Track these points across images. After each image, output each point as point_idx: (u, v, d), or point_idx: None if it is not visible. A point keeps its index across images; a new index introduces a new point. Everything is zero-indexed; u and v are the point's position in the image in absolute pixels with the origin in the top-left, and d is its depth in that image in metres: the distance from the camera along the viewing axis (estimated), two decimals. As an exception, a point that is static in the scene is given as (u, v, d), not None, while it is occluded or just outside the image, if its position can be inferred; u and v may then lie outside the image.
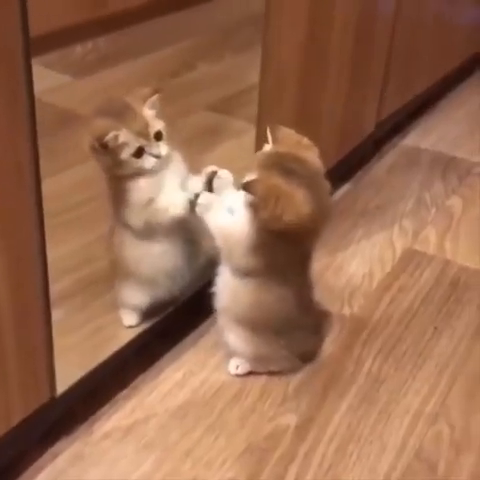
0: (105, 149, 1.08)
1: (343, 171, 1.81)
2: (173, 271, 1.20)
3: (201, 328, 1.32)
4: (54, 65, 1.57)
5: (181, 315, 1.28)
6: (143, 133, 1.10)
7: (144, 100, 1.11)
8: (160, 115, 1.13)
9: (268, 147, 1.10)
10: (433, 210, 1.75)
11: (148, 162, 1.11)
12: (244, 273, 1.12)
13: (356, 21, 1.58)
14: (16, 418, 0.98)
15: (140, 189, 1.13)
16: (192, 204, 1.13)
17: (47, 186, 1.08)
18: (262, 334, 1.17)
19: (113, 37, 1.58)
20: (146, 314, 1.24)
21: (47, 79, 1.53)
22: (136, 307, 1.23)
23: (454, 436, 1.14)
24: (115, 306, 1.25)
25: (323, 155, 1.62)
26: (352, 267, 1.53)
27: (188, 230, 1.19)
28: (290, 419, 1.16)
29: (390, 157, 1.98)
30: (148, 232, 1.15)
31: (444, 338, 1.34)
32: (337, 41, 1.53)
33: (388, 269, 1.53)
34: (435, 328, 1.36)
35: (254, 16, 1.30)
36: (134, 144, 1.09)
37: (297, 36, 1.38)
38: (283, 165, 1.05)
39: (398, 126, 2.09)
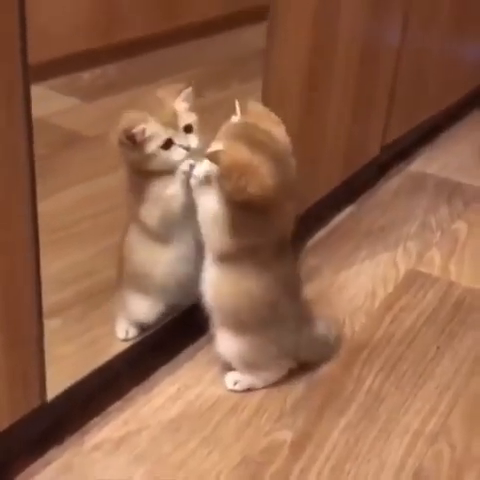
0: (133, 143, 1.07)
1: (347, 193, 1.80)
2: (185, 278, 1.17)
3: (198, 343, 1.30)
4: (63, 89, 1.58)
5: (177, 329, 1.26)
6: (172, 124, 1.09)
7: (178, 92, 1.11)
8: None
9: (236, 118, 1.08)
10: (438, 233, 1.74)
11: (177, 154, 1.10)
12: (221, 257, 1.10)
13: (360, 47, 1.59)
14: (5, 422, 0.96)
15: (156, 186, 1.11)
16: (187, 176, 1.10)
17: (51, 203, 1.09)
18: (249, 331, 1.14)
19: (122, 65, 1.60)
20: (142, 328, 1.22)
21: (55, 102, 1.55)
22: (138, 318, 1.21)
23: (455, 456, 1.11)
24: (113, 318, 1.23)
25: (326, 176, 1.64)
26: (355, 286, 1.51)
27: (197, 236, 1.15)
28: (286, 435, 1.13)
29: (395, 181, 1.97)
30: (164, 230, 1.13)
31: (446, 359, 1.32)
32: (341, 67, 1.53)
33: (391, 289, 1.51)
34: (437, 348, 1.34)
35: (259, 49, 1.32)
36: (162, 136, 1.08)
37: (299, 61, 1.39)
38: (250, 136, 1.03)
39: (404, 152, 2.08)
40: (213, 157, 1.02)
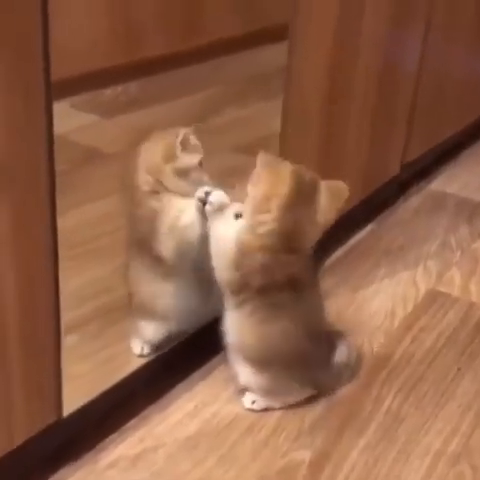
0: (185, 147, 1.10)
1: (367, 211, 1.79)
2: (186, 309, 1.18)
3: (215, 360, 1.28)
4: (83, 106, 1.59)
5: (194, 346, 1.25)
6: None
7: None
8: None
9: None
10: (458, 253, 1.72)
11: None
12: (233, 291, 1.10)
13: (381, 66, 1.59)
14: (20, 438, 0.95)
15: (169, 217, 1.11)
16: (203, 202, 1.10)
17: (70, 218, 1.09)
18: (272, 369, 1.14)
19: (143, 83, 1.60)
20: (158, 346, 1.22)
21: (75, 119, 1.55)
22: (149, 340, 1.21)
23: (477, 477, 1.08)
24: (129, 335, 1.22)
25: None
26: (374, 305, 1.49)
27: (202, 268, 1.16)
28: (304, 455, 1.11)
29: (415, 200, 1.96)
30: (177, 260, 1.13)
31: (467, 380, 1.29)
32: (361, 85, 1.53)
33: (410, 308, 1.49)
34: (458, 369, 1.32)
35: (279, 68, 1.33)
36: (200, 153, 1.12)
37: (320, 79, 1.39)
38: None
39: (424, 171, 2.07)
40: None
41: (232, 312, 1.12)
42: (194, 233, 1.12)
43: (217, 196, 1.09)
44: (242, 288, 1.08)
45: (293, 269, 1.08)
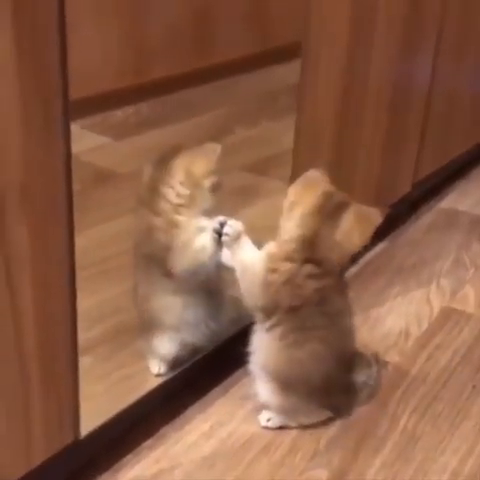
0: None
1: (379, 230, 1.79)
2: (196, 321, 1.19)
3: (230, 380, 1.28)
4: (95, 127, 1.60)
5: (209, 365, 1.25)
6: None
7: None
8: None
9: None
10: (472, 270, 1.72)
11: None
12: (264, 315, 1.10)
13: (392, 85, 1.60)
14: (38, 458, 0.96)
15: (185, 235, 1.13)
16: (218, 234, 1.12)
17: (82, 239, 1.09)
18: (294, 391, 1.14)
19: (154, 103, 1.62)
20: (174, 364, 1.22)
21: (87, 140, 1.57)
22: (164, 356, 1.21)
23: (494, 497, 1.08)
24: (142, 355, 1.23)
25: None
26: (387, 324, 1.49)
27: (211, 281, 1.18)
28: (321, 474, 1.11)
29: (427, 218, 1.96)
30: (189, 276, 1.14)
31: (483, 398, 1.29)
32: (372, 103, 1.54)
33: (425, 327, 1.49)
34: (473, 387, 1.31)
35: (289, 86, 1.34)
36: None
37: (332, 97, 1.40)
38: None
39: (435, 189, 2.07)
40: None
41: (261, 334, 1.13)
42: (206, 257, 1.13)
43: (232, 226, 1.11)
44: (273, 311, 1.09)
45: (321, 284, 1.08)
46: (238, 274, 1.11)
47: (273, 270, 1.07)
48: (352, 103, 1.47)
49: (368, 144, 1.59)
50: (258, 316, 1.12)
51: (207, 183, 1.13)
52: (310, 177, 1.10)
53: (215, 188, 1.13)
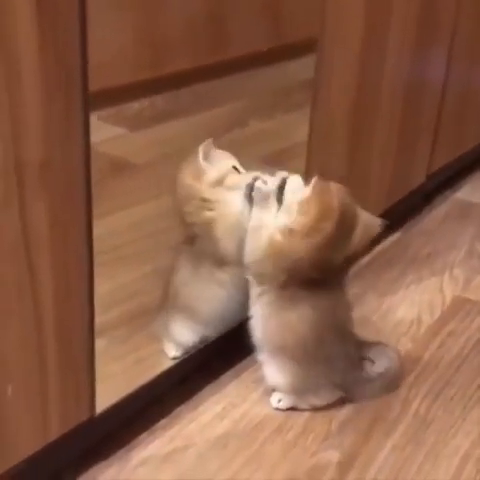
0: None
1: (393, 220, 1.79)
2: (227, 314, 1.21)
3: (244, 362, 1.30)
4: (111, 119, 1.62)
5: (225, 348, 1.26)
6: None
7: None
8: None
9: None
10: (485, 261, 1.72)
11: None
12: (262, 281, 1.12)
13: (407, 78, 1.61)
14: (54, 434, 0.97)
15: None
16: (250, 188, 1.11)
17: (99, 226, 1.11)
18: (298, 363, 1.15)
19: (170, 96, 1.63)
20: (191, 349, 1.23)
21: (103, 131, 1.58)
22: (183, 342, 1.22)
23: (505, 479, 1.08)
24: (157, 339, 1.24)
25: (371, 202, 1.63)
26: (400, 312, 1.50)
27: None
28: (333, 455, 1.12)
29: (442, 209, 1.96)
30: (238, 252, 1.14)
31: (496, 383, 1.30)
32: (387, 94, 1.55)
33: (437, 315, 1.49)
34: (486, 373, 1.32)
35: (304, 81, 1.35)
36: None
37: (347, 91, 1.41)
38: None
39: (450, 180, 2.07)
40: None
41: (254, 306, 1.14)
42: (244, 220, 1.13)
43: (263, 183, 1.10)
44: (267, 280, 1.10)
45: (318, 272, 1.10)
46: (248, 234, 1.11)
47: (276, 253, 1.08)
48: (367, 97, 1.48)
49: (383, 135, 1.59)
50: (253, 278, 1.13)
51: (203, 186, 1.13)
52: (324, 191, 1.09)
53: (218, 183, 1.13)
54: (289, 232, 1.07)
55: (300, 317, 1.12)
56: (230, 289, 1.18)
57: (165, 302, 1.24)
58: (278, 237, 1.08)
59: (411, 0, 1.52)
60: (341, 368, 1.17)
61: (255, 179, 1.12)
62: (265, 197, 1.10)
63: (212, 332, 1.22)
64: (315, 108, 1.34)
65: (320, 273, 1.09)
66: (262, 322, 1.15)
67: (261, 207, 1.10)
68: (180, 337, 1.21)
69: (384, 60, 1.49)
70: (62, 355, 0.94)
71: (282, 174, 1.12)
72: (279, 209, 1.10)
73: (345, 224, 1.07)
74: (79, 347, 0.97)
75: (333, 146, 1.45)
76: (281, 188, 1.10)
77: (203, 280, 1.17)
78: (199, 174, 1.14)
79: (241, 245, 1.13)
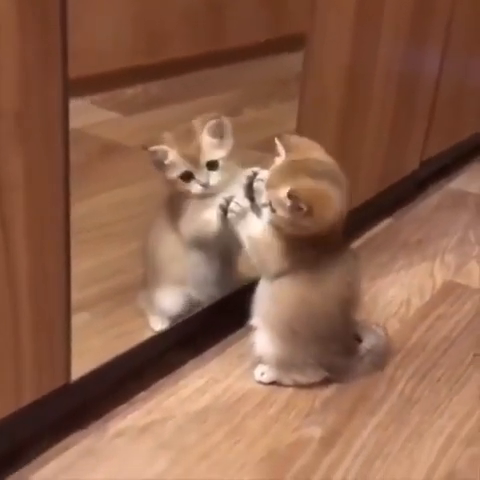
0: (157, 161, 1.09)
1: (385, 205, 1.78)
2: (204, 277, 1.19)
3: (229, 338, 1.28)
4: (104, 103, 1.60)
5: (208, 322, 1.24)
6: (193, 159, 1.10)
7: (204, 125, 1.11)
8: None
9: (280, 159, 1.08)
10: (477, 247, 1.70)
11: (194, 188, 1.12)
12: (279, 275, 1.10)
13: (400, 68, 1.59)
14: (27, 398, 0.95)
15: (193, 206, 1.13)
16: (224, 210, 1.11)
17: (86, 205, 1.09)
18: (288, 339, 1.13)
19: (165, 83, 1.61)
20: (176, 321, 1.21)
21: (95, 115, 1.56)
22: (167, 310, 1.20)
23: (491, 459, 1.06)
24: (141, 314, 1.23)
25: (363, 185, 1.61)
26: (389, 294, 1.48)
27: (223, 245, 1.17)
28: (315, 431, 1.10)
29: (435, 198, 1.95)
30: (195, 243, 1.15)
31: (483, 367, 1.27)
32: (380, 84, 1.53)
33: (427, 298, 1.47)
34: (474, 355, 1.30)
35: (298, 73, 1.34)
36: (181, 167, 1.10)
37: (337, 85, 1.40)
38: (308, 169, 1.04)
39: (445, 170, 2.06)
40: (292, 196, 1.01)
41: (266, 284, 1.12)
42: (210, 230, 1.13)
43: (238, 204, 1.10)
44: (290, 267, 1.09)
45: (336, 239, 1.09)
46: (250, 249, 1.11)
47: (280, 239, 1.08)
48: (359, 85, 1.47)
49: (375, 122, 1.57)
50: (270, 278, 1.12)
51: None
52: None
53: (167, 167, 1.12)
54: (280, 221, 1.06)
55: (295, 294, 1.10)
56: (195, 252, 1.16)
57: (147, 272, 1.22)
58: (275, 231, 1.08)
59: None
60: (333, 351, 1.15)
61: (227, 201, 1.11)
62: (242, 215, 1.10)
63: (195, 295, 1.19)
64: (303, 96, 1.34)
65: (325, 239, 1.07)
66: (264, 293, 1.12)
67: (239, 224, 1.11)
68: (163, 304, 1.19)
69: (377, 49, 1.48)
70: (36, 316, 0.92)
71: (247, 172, 1.12)
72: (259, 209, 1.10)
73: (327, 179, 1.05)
74: (55, 308, 0.95)
75: (323, 130, 1.43)
76: (250, 185, 1.11)
77: (169, 241, 1.16)
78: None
79: (198, 241, 1.15)
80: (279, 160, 1.08)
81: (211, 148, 1.11)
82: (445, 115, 1.88)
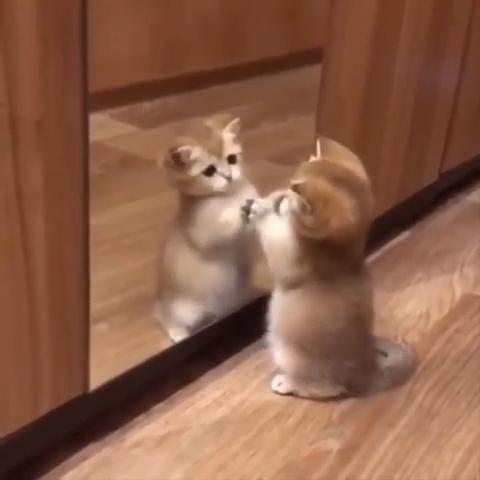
0: (178, 163, 1.09)
1: (403, 217, 1.77)
2: (222, 290, 1.19)
3: (246, 349, 1.27)
4: (123, 117, 1.62)
5: (226, 335, 1.24)
6: (216, 152, 1.11)
7: (225, 123, 1.13)
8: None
9: (316, 158, 1.08)
10: (496, 260, 1.69)
11: (218, 182, 1.12)
12: (291, 284, 1.09)
13: (419, 81, 1.59)
14: (45, 408, 0.95)
15: (208, 209, 1.13)
16: (246, 211, 1.12)
17: (104, 217, 1.10)
18: (311, 354, 1.12)
19: (183, 97, 1.63)
20: (194, 332, 1.21)
21: (114, 128, 1.58)
22: (184, 322, 1.20)
23: (510, 473, 1.05)
24: (158, 325, 1.23)
25: (381, 197, 1.61)
26: (408, 307, 1.47)
27: (240, 252, 1.18)
28: (332, 444, 1.09)
29: (453, 211, 1.94)
30: (212, 250, 1.15)
31: (503, 380, 1.26)
32: (398, 96, 1.53)
33: (446, 311, 1.46)
34: (494, 369, 1.28)
35: (316, 87, 1.34)
36: (206, 162, 1.11)
37: (354, 98, 1.41)
38: (331, 173, 1.04)
39: (463, 183, 2.05)
40: (298, 188, 1.01)
41: (279, 297, 1.12)
42: (231, 232, 1.14)
43: (260, 204, 1.11)
44: (303, 279, 1.09)
45: (355, 257, 1.08)
46: (266, 249, 1.11)
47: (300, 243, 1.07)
48: (377, 99, 1.47)
49: (394, 131, 1.57)
50: (283, 287, 1.11)
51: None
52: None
53: (187, 166, 1.11)
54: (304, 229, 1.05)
55: (325, 308, 1.09)
56: (214, 264, 1.16)
57: (160, 289, 1.22)
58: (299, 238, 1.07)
59: (423, 4, 1.50)
60: (350, 368, 1.14)
61: (249, 202, 1.12)
62: (264, 215, 1.11)
63: (212, 309, 1.19)
64: (321, 110, 1.33)
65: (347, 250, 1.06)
66: (284, 314, 1.12)
67: (260, 225, 1.11)
68: (180, 316, 1.19)
69: (394, 62, 1.48)
70: (55, 325, 0.92)
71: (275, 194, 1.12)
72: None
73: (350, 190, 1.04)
74: (74, 317, 0.95)
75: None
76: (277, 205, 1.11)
77: (186, 256, 1.16)
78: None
79: (216, 246, 1.14)
80: (313, 159, 1.08)
81: (231, 143, 1.13)
82: (464, 128, 1.88)
